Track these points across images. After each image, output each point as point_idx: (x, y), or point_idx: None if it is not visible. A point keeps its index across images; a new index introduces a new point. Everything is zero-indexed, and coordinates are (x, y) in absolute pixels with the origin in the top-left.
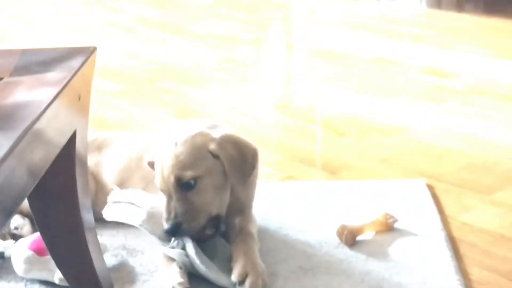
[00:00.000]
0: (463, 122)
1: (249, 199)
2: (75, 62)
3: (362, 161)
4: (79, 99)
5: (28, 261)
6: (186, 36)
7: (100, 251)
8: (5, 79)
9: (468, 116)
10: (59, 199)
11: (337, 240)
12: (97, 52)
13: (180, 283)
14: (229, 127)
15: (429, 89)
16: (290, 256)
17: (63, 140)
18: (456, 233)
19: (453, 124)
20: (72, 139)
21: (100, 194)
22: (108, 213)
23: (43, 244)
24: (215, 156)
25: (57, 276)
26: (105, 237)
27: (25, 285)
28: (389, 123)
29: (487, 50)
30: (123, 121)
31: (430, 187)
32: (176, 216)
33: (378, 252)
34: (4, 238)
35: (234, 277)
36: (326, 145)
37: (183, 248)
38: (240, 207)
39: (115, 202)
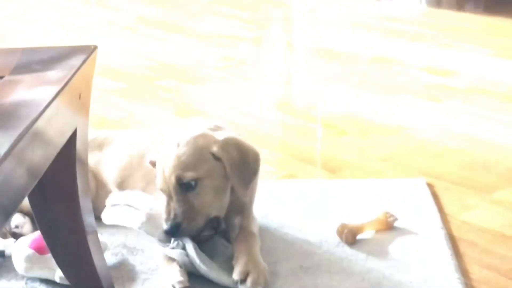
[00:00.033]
0: (464, 121)
1: (250, 199)
2: (76, 61)
3: (362, 160)
4: (80, 97)
5: (29, 260)
6: (186, 35)
7: (101, 249)
8: (6, 78)
9: (469, 115)
10: (59, 198)
11: (337, 238)
12: (98, 50)
13: (180, 282)
14: (232, 130)
15: (429, 88)
16: (290, 255)
17: (63, 139)
18: (456, 232)
19: (453, 123)
20: (73, 137)
21: (100, 193)
22: (106, 217)
23: (43, 243)
24: (217, 158)
25: (57, 275)
26: (105, 236)
27: (26, 283)
28: (390, 122)
29: (488, 49)
30: (123, 119)
31: (430, 186)
32: (175, 217)
33: (378, 251)
34: (4, 237)
35: (236, 275)
36: (326, 144)
37: (183, 248)
38: (240, 206)
39: (113, 205)
